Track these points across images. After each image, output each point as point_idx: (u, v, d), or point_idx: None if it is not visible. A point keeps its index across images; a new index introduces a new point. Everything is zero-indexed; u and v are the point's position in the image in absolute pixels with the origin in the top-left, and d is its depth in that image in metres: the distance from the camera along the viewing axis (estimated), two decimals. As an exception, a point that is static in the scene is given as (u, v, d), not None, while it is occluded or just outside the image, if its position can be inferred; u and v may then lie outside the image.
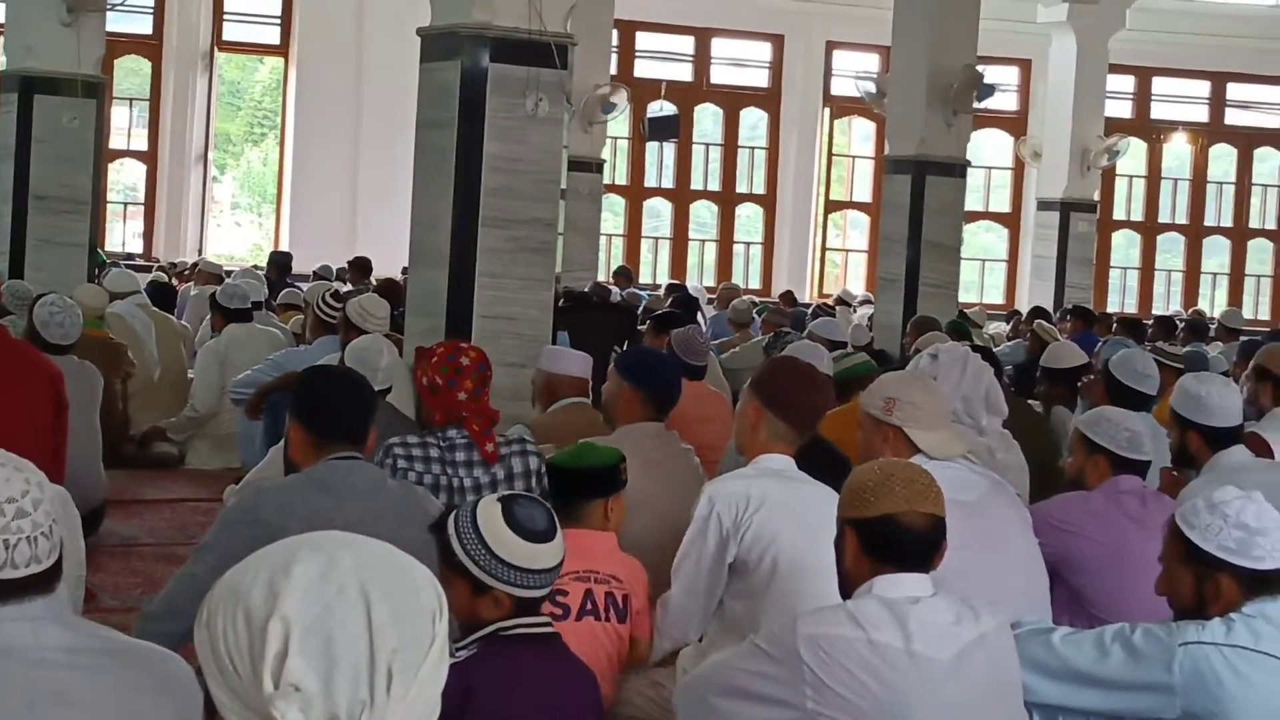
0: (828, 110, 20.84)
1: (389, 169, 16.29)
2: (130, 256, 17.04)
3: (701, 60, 20.46)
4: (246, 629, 1.67)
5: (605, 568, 4.32)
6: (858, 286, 18.94)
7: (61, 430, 6.06)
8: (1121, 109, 20.63)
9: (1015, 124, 21.01)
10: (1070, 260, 17.30)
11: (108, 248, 16.57)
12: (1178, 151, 21.98)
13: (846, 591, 3.25)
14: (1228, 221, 22.06)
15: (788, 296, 17.00)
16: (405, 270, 8.80)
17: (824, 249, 21.22)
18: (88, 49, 10.42)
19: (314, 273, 14.17)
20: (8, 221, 10.30)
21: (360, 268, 14.87)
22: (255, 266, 15.51)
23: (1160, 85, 21.63)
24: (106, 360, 7.88)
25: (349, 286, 12.08)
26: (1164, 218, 21.85)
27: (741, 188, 20.77)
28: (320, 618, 1.66)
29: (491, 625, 3.28)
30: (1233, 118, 22.03)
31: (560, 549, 3.35)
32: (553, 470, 4.54)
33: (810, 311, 14.77)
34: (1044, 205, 17.71)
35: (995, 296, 21.05)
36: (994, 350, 8.96)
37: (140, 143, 19.43)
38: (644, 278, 19.41)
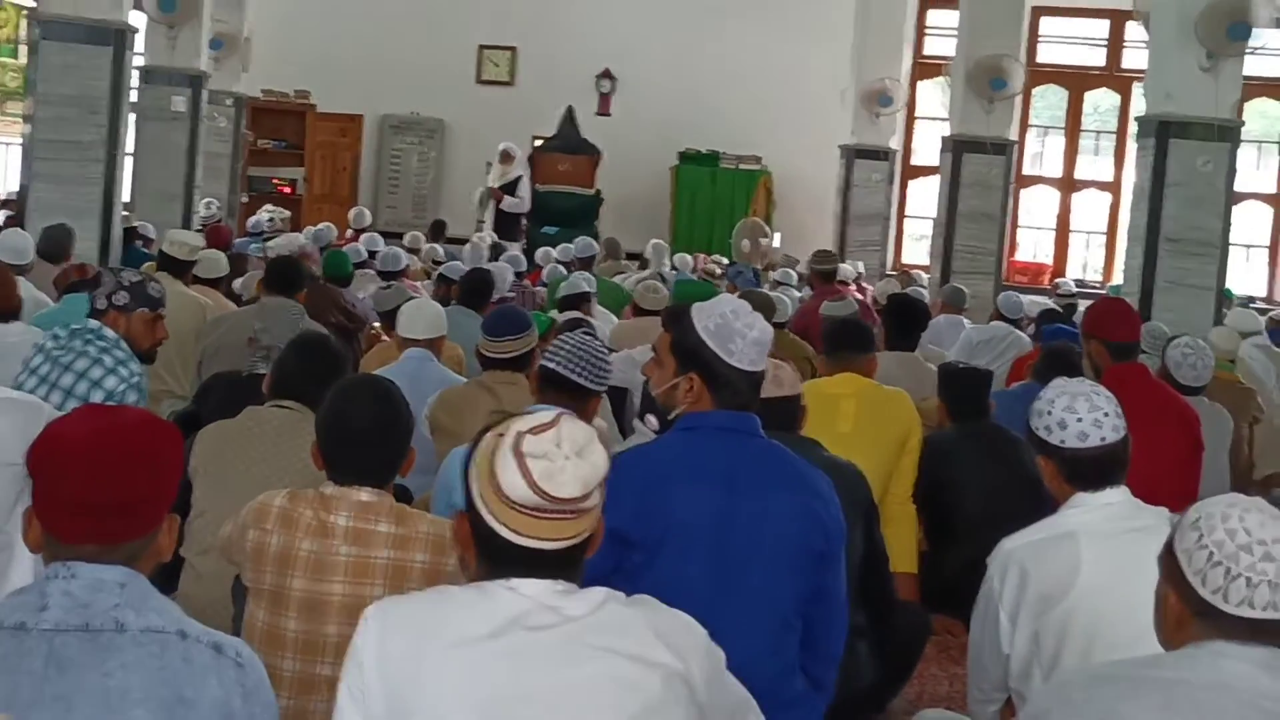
0: None
1: None
2: (1251, 299, 16.85)
3: None
4: None
5: None
6: None
7: (1195, 472, 6.13)
8: None
9: None
10: None
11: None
12: None
13: None
14: None
15: None
16: None
17: None
18: (1224, 93, 10.45)
19: None
20: (1139, 262, 10.55)
21: None
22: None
23: None
24: (1236, 403, 7.87)
25: None
26: None
27: None
28: None
29: None
30: None
31: None
32: None
33: None
34: None
35: None
36: None
37: (1266, 185, 19.19)
38: None
